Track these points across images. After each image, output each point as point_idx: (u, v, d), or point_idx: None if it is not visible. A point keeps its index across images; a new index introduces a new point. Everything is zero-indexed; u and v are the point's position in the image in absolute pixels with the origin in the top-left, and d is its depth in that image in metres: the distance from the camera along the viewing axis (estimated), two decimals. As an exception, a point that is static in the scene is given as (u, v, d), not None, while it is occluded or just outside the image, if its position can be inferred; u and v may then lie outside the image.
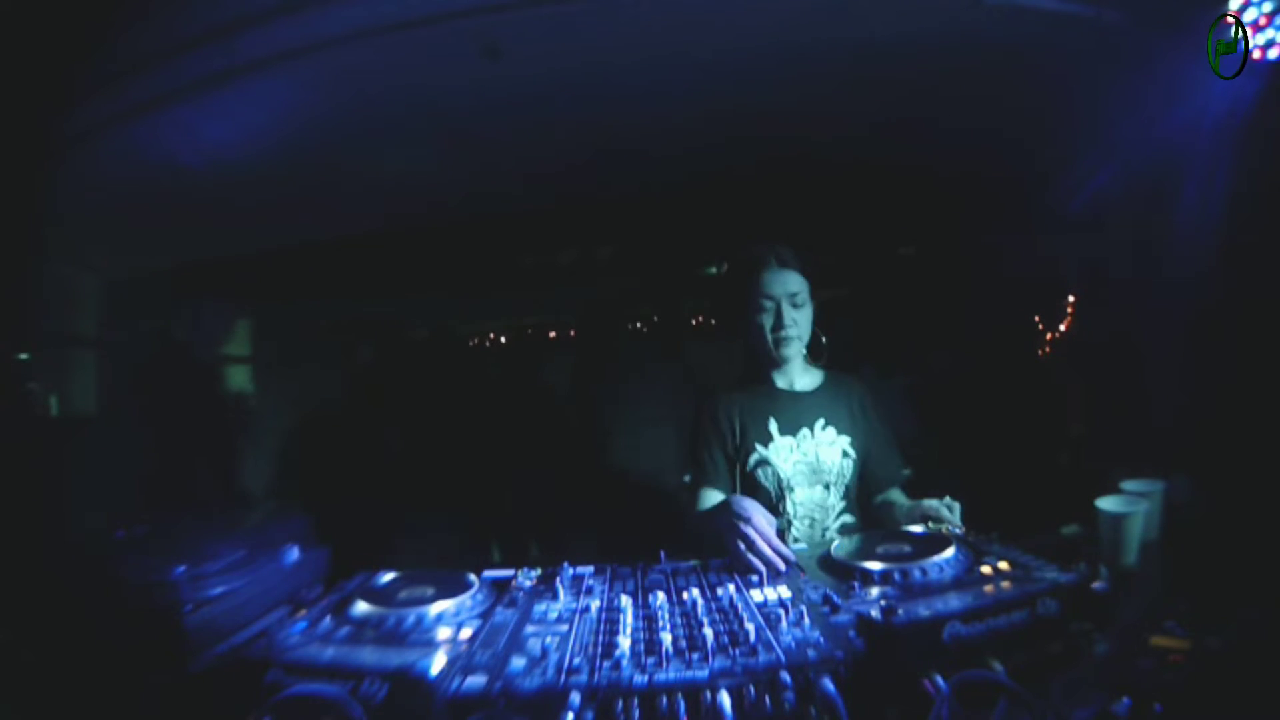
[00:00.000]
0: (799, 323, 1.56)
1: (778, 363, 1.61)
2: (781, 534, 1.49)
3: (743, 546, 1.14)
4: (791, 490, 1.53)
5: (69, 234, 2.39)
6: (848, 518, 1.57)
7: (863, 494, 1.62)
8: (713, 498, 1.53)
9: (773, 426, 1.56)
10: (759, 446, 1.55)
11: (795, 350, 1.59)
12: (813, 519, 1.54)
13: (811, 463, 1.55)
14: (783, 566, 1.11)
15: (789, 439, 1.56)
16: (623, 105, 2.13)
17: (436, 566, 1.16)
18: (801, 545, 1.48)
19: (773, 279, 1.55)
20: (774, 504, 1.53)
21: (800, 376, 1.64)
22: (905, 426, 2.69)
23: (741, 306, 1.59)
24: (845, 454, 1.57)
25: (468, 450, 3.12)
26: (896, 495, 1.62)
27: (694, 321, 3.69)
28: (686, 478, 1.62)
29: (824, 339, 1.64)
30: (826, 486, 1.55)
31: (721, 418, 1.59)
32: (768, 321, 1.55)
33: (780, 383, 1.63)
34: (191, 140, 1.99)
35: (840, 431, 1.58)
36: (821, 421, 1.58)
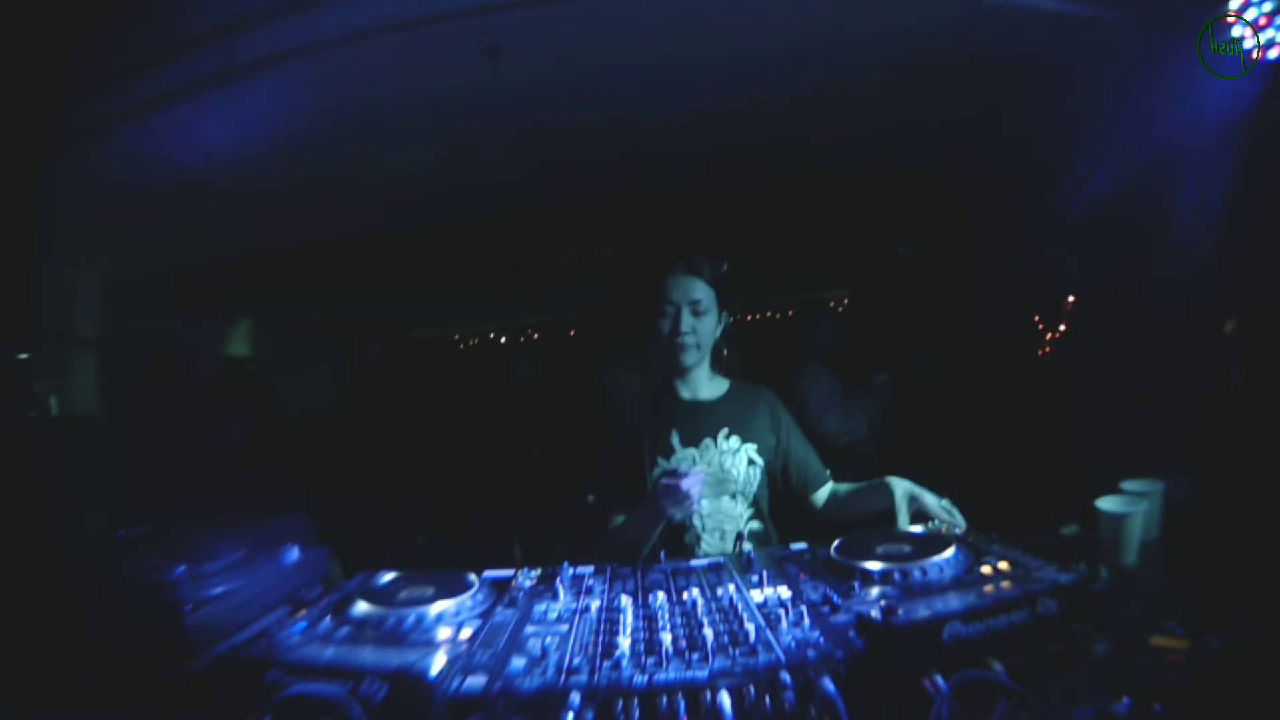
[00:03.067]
0: (698, 330, 1.56)
1: (678, 371, 1.61)
2: (691, 547, 1.50)
3: (670, 498, 1.26)
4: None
5: (69, 234, 2.39)
6: (755, 525, 1.55)
7: (781, 501, 1.61)
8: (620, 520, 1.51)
9: (674, 439, 1.55)
10: (660, 460, 1.53)
11: (694, 359, 1.58)
12: (722, 530, 1.52)
13: (716, 473, 1.53)
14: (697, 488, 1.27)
15: (691, 450, 1.54)
16: (622, 105, 2.13)
17: (436, 566, 1.16)
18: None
19: (675, 285, 1.56)
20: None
21: (704, 386, 1.63)
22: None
23: (646, 311, 1.60)
24: (751, 461, 1.56)
25: (466, 449, 3.12)
26: (837, 487, 1.63)
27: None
28: (592, 498, 1.60)
29: (725, 351, 1.65)
30: (734, 496, 1.54)
31: (625, 431, 1.57)
32: (666, 326, 1.56)
33: (684, 393, 1.62)
34: (191, 140, 1.99)
35: (745, 439, 1.57)
36: (725, 430, 1.57)
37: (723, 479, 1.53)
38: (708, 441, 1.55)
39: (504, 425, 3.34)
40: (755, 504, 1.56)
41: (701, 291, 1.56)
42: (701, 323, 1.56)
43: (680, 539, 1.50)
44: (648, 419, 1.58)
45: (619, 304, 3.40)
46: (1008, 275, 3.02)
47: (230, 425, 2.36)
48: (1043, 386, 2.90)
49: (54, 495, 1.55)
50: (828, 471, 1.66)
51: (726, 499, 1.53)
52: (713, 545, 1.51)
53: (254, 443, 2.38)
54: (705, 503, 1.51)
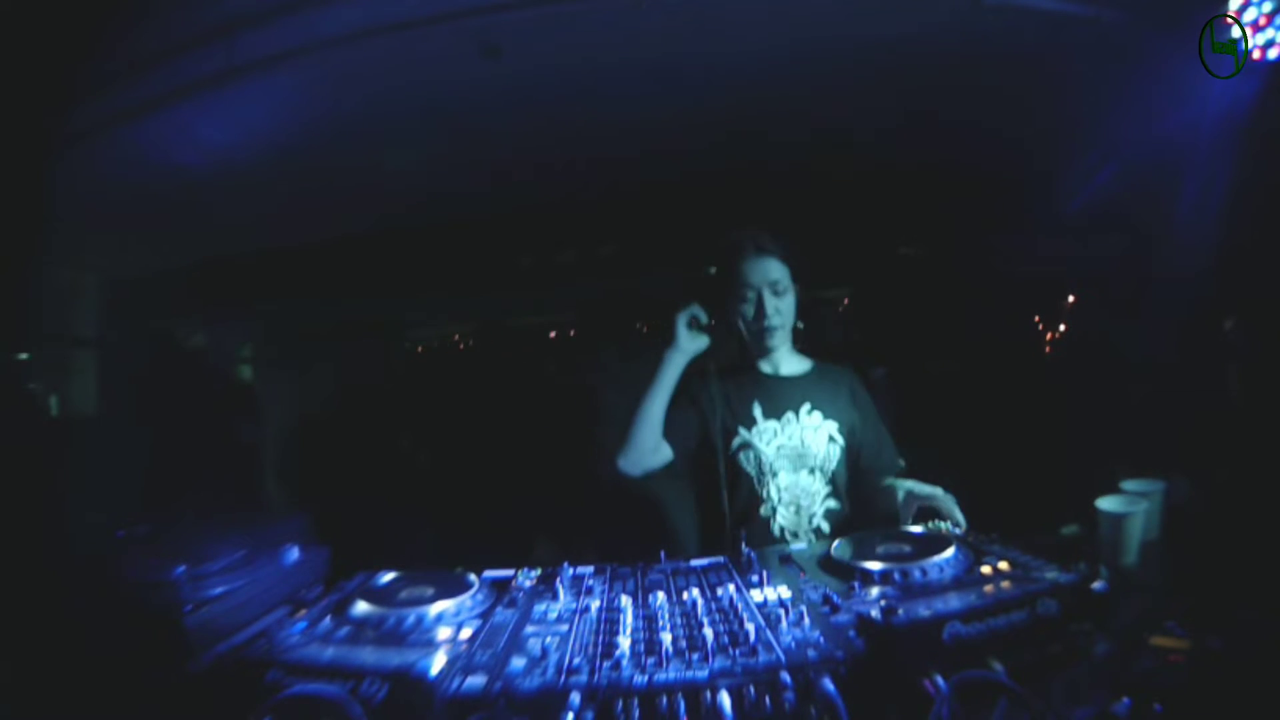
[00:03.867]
0: (781, 311, 1.55)
1: (763, 352, 1.60)
2: (767, 520, 1.50)
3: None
4: (775, 474, 1.52)
5: (69, 234, 2.39)
6: (832, 503, 1.55)
7: (856, 483, 1.61)
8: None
9: (756, 410, 1.54)
10: (741, 430, 1.53)
11: (780, 339, 1.58)
12: (798, 505, 1.52)
13: (796, 447, 1.53)
14: None
15: (773, 422, 1.54)
16: (622, 105, 2.13)
17: (437, 566, 1.16)
18: (800, 544, 1.47)
19: (752, 267, 1.53)
20: (755, 489, 1.52)
21: (786, 363, 1.63)
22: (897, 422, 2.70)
23: (725, 296, 1.57)
24: (832, 439, 1.56)
25: (468, 449, 3.12)
26: (893, 481, 1.63)
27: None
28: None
29: (801, 325, 1.63)
30: (812, 471, 1.53)
31: (702, 400, 1.54)
32: (749, 311, 1.54)
33: (765, 368, 1.62)
34: (191, 140, 1.99)
35: (827, 416, 1.57)
36: (808, 406, 1.56)
37: (802, 453, 1.53)
38: (789, 414, 1.55)
39: (505, 423, 3.34)
40: (833, 482, 1.55)
41: (779, 270, 1.54)
42: (783, 302, 1.56)
43: (756, 511, 1.51)
44: (727, 390, 1.56)
45: (623, 301, 3.39)
46: (1008, 275, 3.02)
47: (228, 431, 2.37)
48: (1043, 386, 2.90)
49: (54, 495, 1.55)
50: (901, 461, 1.64)
51: (805, 473, 1.53)
52: (788, 519, 1.51)
53: (251, 449, 2.38)
54: (784, 475, 1.52)
